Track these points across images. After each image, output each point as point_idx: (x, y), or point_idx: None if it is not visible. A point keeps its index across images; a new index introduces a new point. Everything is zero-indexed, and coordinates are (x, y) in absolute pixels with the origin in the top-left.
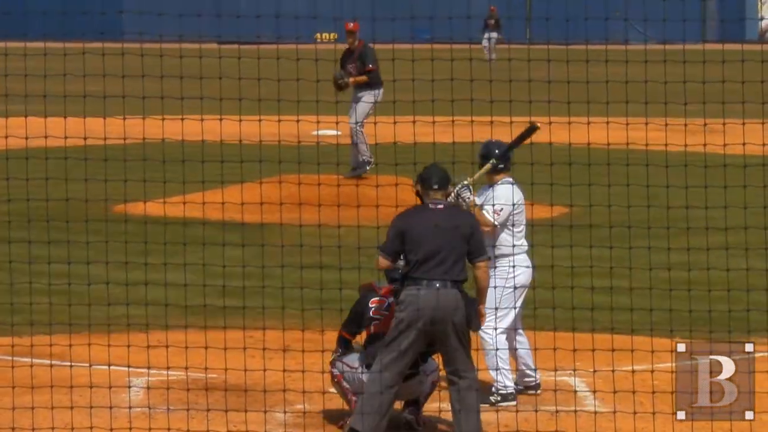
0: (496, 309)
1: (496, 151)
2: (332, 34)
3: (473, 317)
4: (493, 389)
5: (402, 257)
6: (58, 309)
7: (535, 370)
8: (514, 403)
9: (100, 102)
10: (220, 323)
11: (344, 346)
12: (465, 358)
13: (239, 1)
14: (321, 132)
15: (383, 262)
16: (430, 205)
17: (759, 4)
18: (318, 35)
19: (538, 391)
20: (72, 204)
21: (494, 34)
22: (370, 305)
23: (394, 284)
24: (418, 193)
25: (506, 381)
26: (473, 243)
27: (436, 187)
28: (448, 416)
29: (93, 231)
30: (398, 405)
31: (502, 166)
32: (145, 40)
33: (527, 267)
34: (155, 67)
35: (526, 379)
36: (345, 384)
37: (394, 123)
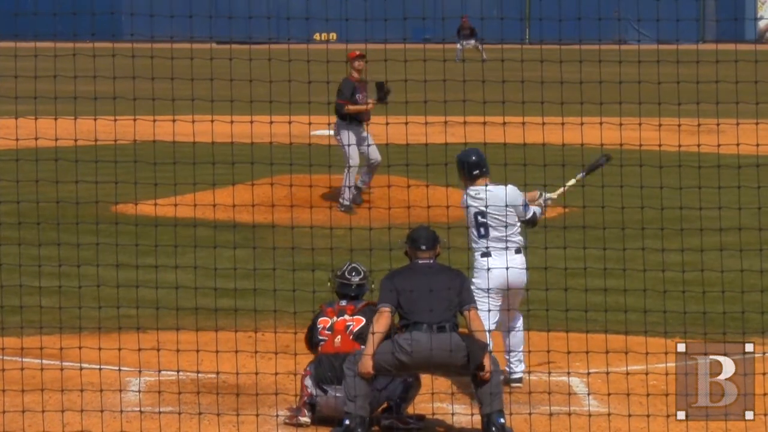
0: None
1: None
2: (332, 34)
3: (474, 355)
4: None
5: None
6: (49, 310)
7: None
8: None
9: (91, 103)
10: (212, 325)
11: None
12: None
13: (241, 1)
14: (318, 132)
15: (386, 312)
16: (419, 262)
17: (758, 4)
18: (317, 35)
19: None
20: (63, 205)
21: (471, 41)
22: (318, 324)
23: (349, 301)
24: (407, 253)
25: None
26: (461, 293)
27: (423, 248)
28: (445, 418)
29: (86, 232)
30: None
31: (477, 172)
32: (138, 41)
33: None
34: (158, 67)
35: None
36: (307, 382)
37: (387, 124)
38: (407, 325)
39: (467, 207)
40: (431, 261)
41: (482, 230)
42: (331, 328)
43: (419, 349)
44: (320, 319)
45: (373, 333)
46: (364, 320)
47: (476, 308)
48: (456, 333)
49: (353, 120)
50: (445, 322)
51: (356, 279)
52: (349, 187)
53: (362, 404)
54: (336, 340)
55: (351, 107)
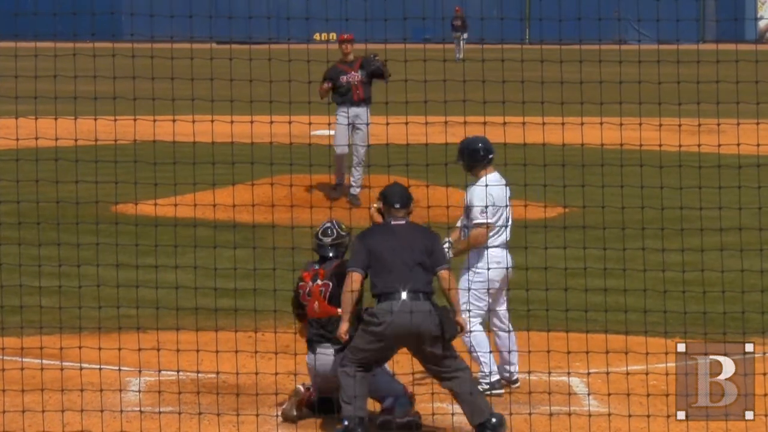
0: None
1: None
2: (332, 34)
3: (447, 325)
4: (480, 377)
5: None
6: (49, 310)
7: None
8: (501, 391)
9: (91, 103)
10: (212, 325)
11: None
12: (451, 360)
13: (241, 1)
14: (318, 132)
15: (357, 276)
16: (392, 222)
17: (758, 4)
18: (317, 35)
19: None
20: (63, 205)
21: (459, 34)
22: (299, 290)
23: (323, 263)
24: (380, 211)
25: (493, 367)
26: (434, 254)
27: (397, 206)
28: (445, 418)
29: (85, 232)
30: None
31: (491, 157)
32: (138, 41)
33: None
34: (158, 67)
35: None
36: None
37: (387, 124)
38: (381, 294)
39: (479, 200)
40: (404, 222)
41: (509, 215)
42: (309, 294)
43: (390, 317)
44: (300, 284)
45: (347, 291)
46: (330, 284)
47: (450, 268)
48: (429, 301)
49: (344, 103)
50: (419, 290)
51: (328, 240)
52: (337, 174)
53: (361, 405)
54: (315, 305)
55: (320, 89)
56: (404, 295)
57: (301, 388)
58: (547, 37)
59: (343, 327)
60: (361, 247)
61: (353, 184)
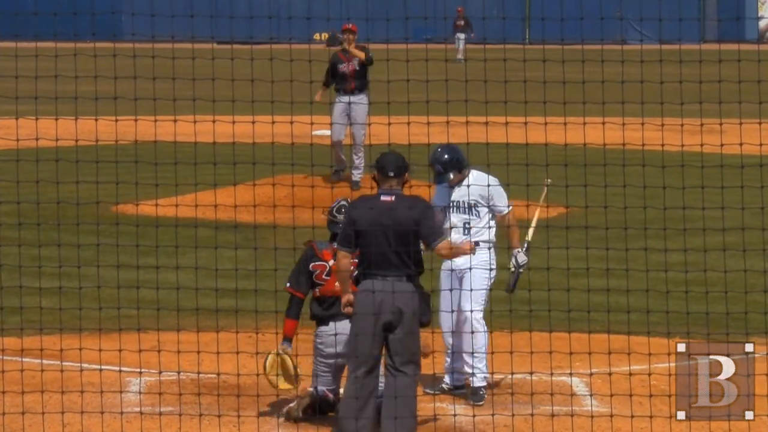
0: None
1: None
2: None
3: (425, 311)
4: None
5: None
6: (50, 311)
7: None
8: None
9: (92, 103)
10: (213, 325)
11: (296, 304)
12: (411, 350)
13: (242, 1)
14: (319, 132)
15: (344, 256)
16: (383, 197)
17: (759, 3)
18: (317, 35)
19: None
20: (63, 205)
21: (462, 35)
22: (312, 269)
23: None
24: (374, 178)
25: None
26: (424, 230)
27: (391, 174)
28: (445, 418)
29: (86, 232)
30: None
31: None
32: (139, 41)
33: None
34: (159, 67)
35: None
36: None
37: (389, 124)
38: (364, 273)
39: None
40: (394, 197)
41: None
42: (329, 273)
43: (372, 296)
44: (315, 263)
45: (337, 270)
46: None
47: (446, 240)
48: (411, 283)
49: (340, 91)
50: (401, 272)
51: (342, 217)
52: (337, 161)
53: (364, 424)
54: (337, 284)
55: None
56: (387, 276)
57: (315, 392)
58: (548, 37)
59: (343, 299)
60: (348, 222)
61: (354, 171)
